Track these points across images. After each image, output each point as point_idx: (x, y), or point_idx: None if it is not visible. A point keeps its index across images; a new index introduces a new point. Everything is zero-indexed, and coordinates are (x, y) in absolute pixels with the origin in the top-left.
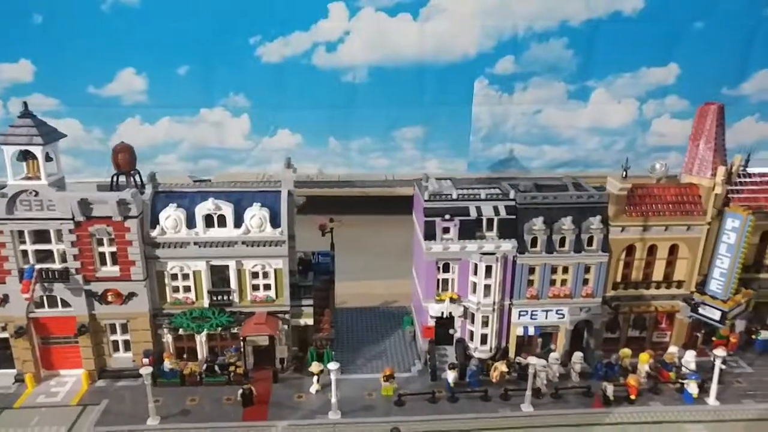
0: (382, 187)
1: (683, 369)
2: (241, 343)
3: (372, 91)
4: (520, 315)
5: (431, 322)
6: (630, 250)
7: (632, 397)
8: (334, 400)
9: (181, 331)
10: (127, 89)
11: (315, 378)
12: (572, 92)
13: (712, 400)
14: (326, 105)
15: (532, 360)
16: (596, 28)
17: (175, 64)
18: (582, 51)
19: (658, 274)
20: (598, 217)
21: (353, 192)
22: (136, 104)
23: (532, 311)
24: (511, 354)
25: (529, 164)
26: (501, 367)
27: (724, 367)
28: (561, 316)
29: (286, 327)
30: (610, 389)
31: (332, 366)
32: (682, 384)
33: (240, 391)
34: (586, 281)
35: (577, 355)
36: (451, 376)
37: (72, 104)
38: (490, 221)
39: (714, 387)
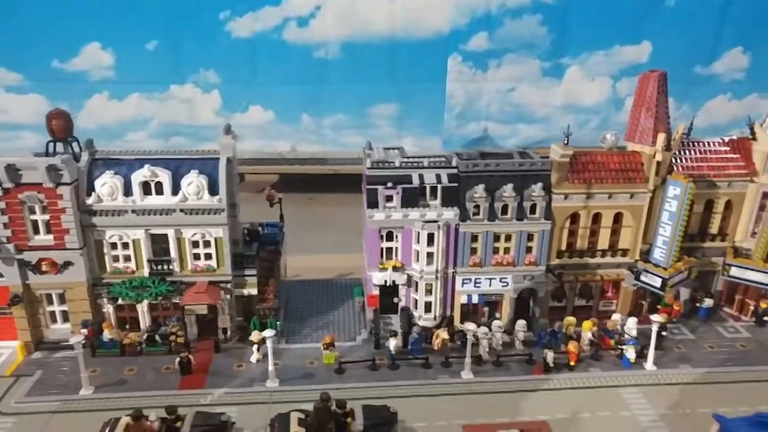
0: (355, 164)
1: (626, 336)
2: (183, 313)
3: (345, 68)
4: (463, 283)
5: (375, 291)
6: (574, 218)
7: (572, 363)
8: (271, 368)
9: (121, 301)
10: (93, 64)
11: (255, 347)
12: (546, 69)
13: (649, 365)
14: (298, 81)
15: (470, 327)
16: (570, 5)
17: (143, 39)
18: (556, 28)
19: (603, 242)
20: (540, 185)
21: (326, 170)
22: (104, 80)
23: (476, 279)
24: (457, 322)
25: (504, 143)
26: (443, 334)
27: (665, 333)
28: (505, 284)
29: (228, 297)
30: (550, 356)
31: (268, 333)
32: (622, 350)
33: (177, 359)
34: (529, 249)
35: (520, 323)
36: (392, 343)
37: (36, 79)
38: (433, 189)
39: (651, 352)
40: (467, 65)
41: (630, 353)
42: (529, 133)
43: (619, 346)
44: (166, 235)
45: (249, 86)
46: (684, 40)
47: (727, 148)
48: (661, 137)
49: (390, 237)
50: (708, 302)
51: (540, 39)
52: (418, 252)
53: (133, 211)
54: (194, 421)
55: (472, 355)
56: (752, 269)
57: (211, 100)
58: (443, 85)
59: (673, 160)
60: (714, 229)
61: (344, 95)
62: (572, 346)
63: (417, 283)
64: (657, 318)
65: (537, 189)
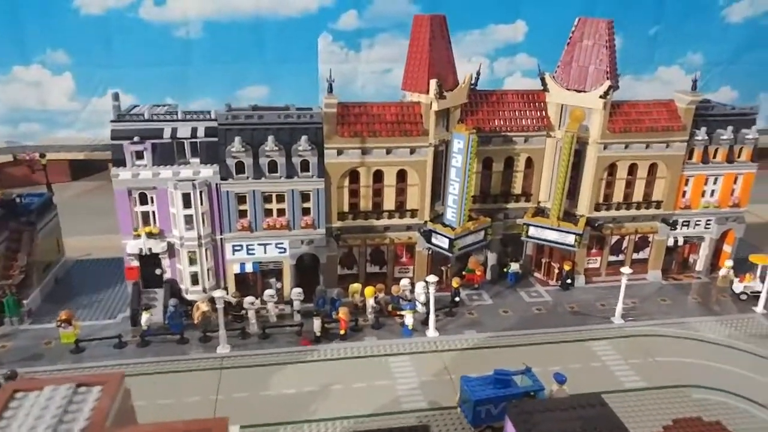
0: None
1: (416, 302)
2: None
3: (209, 48)
4: (234, 250)
5: (133, 262)
6: (356, 176)
7: (342, 332)
8: None
9: None
10: None
11: None
12: None
13: (431, 331)
14: (159, 62)
15: (217, 294)
16: None
17: None
18: (422, 6)
19: (388, 202)
20: (305, 138)
21: None
22: None
23: (248, 246)
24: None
25: None
26: (202, 306)
27: (458, 299)
28: (282, 250)
29: None
30: (317, 325)
31: None
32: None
33: None
34: (306, 211)
35: (296, 291)
36: (144, 318)
37: None
38: (193, 145)
39: (432, 318)
40: (338, 45)
41: (407, 319)
42: None
43: (399, 312)
44: None
45: (105, 68)
46: (557, 20)
47: (521, 100)
48: (433, 84)
49: (144, 200)
50: (514, 267)
51: (412, 18)
52: (175, 216)
53: None
54: None
55: (241, 328)
56: (548, 228)
57: (63, 82)
58: (315, 66)
59: (465, 114)
60: (517, 188)
61: (210, 77)
62: (342, 313)
63: (179, 251)
64: (432, 279)
65: (303, 143)
